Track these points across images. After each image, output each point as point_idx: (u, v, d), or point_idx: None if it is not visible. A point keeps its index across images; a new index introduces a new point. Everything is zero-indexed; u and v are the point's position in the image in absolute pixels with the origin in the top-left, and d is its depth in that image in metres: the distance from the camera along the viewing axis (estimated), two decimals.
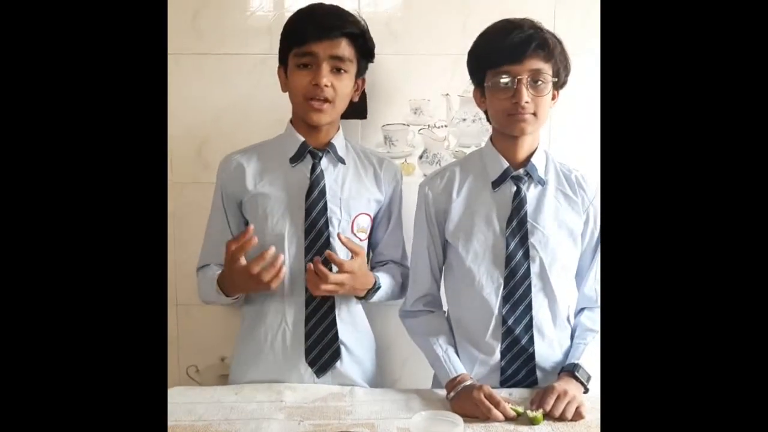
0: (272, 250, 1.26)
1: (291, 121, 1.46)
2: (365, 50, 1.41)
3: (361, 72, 1.44)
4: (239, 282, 1.31)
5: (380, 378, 1.56)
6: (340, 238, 1.33)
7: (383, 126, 1.69)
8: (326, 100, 1.36)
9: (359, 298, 1.43)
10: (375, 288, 1.40)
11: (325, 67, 1.34)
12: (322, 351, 1.40)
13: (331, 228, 1.40)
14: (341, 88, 1.37)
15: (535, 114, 1.27)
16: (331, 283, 1.30)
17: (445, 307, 1.46)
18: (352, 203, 1.43)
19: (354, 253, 1.33)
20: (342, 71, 1.37)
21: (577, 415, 1.19)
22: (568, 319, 1.37)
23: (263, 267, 1.26)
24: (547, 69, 1.26)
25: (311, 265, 1.30)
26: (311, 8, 1.40)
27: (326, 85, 1.34)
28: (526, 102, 1.24)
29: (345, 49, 1.36)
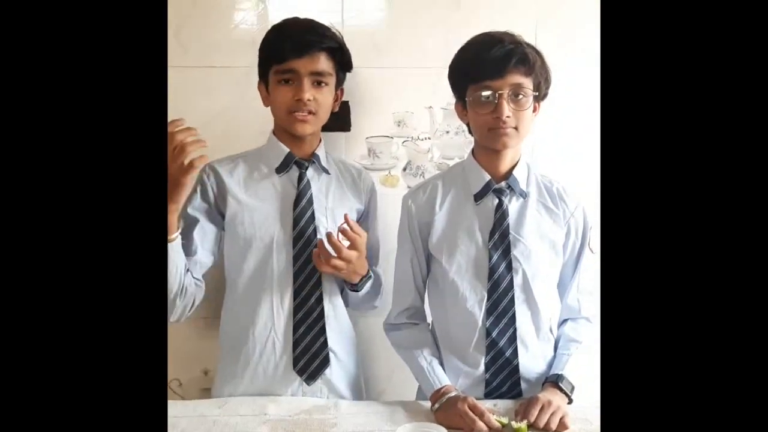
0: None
1: (273, 132, 1.47)
2: (343, 62, 1.44)
3: (340, 82, 1.46)
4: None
5: (366, 390, 1.56)
6: (346, 219, 1.33)
7: (367, 138, 1.70)
8: (310, 112, 1.38)
9: (352, 287, 1.42)
10: (367, 276, 1.42)
11: (307, 83, 1.36)
12: (311, 359, 1.40)
13: (319, 236, 1.40)
14: (323, 100, 1.40)
15: (516, 128, 1.28)
16: (343, 258, 1.32)
17: (428, 320, 1.46)
18: (337, 212, 1.44)
19: (358, 235, 1.35)
20: (323, 84, 1.39)
21: (562, 426, 1.19)
22: (551, 330, 1.38)
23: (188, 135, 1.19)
24: (527, 83, 1.27)
25: (323, 240, 1.32)
26: (287, 24, 1.41)
27: (309, 100, 1.36)
28: (507, 116, 1.25)
29: (324, 63, 1.38)
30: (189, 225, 1.39)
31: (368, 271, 1.42)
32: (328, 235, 1.32)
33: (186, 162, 1.17)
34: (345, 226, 1.32)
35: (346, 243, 1.33)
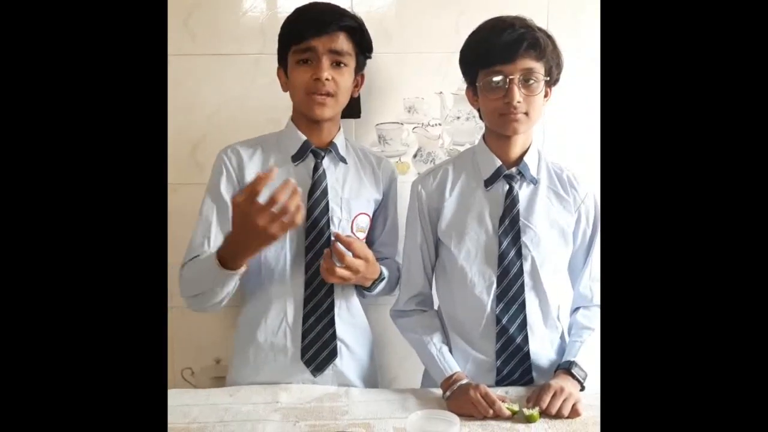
0: (293, 181, 1.14)
1: (291, 119, 1.45)
2: (363, 44, 1.42)
3: (360, 67, 1.44)
4: (252, 231, 1.16)
5: (378, 376, 1.56)
6: (339, 238, 1.32)
7: (377, 125, 1.69)
8: (328, 94, 1.36)
9: (365, 289, 1.43)
10: (380, 278, 1.42)
11: (325, 62, 1.35)
12: (319, 350, 1.40)
13: (332, 227, 1.40)
14: (342, 81, 1.37)
15: (527, 113, 1.26)
16: (347, 268, 1.31)
17: (436, 306, 1.45)
18: (352, 203, 1.43)
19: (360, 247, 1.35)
20: (342, 65, 1.37)
21: (574, 413, 1.18)
22: (558, 317, 1.37)
23: (287, 197, 1.14)
24: (539, 68, 1.25)
25: (328, 251, 1.31)
26: (308, 7, 1.40)
27: (327, 79, 1.34)
28: (518, 102, 1.24)
29: (343, 43, 1.36)
30: (222, 207, 1.37)
31: (380, 273, 1.42)
32: (333, 244, 1.31)
33: (288, 221, 1.14)
34: (345, 238, 1.32)
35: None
